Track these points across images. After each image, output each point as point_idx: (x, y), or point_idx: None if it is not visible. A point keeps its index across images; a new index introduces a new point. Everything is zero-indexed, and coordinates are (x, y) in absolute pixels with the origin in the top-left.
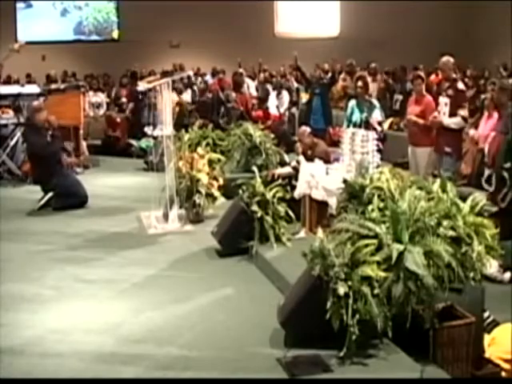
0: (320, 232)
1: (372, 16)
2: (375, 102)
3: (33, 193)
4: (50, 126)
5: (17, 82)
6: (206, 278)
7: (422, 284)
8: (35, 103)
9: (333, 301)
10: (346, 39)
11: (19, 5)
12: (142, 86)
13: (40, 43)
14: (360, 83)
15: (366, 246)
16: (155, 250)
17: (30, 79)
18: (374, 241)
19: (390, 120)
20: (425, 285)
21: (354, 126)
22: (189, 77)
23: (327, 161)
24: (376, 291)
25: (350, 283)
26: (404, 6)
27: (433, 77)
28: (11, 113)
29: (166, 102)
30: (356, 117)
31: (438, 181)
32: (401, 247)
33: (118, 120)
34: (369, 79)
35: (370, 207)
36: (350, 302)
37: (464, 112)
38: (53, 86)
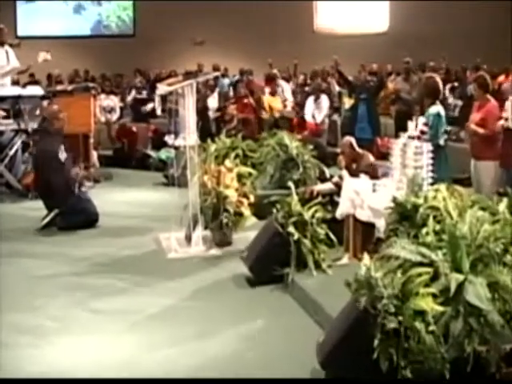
0: (366, 258)
1: (425, 9)
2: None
3: (35, 210)
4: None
5: (17, 82)
6: (233, 309)
7: (485, 321)
8: (54, 107)
9: (381, 338)
10: (396, 35)
11: None
12: (161, 88)
13: (42, 38)
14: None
15: (420, 275)
16: (175, 277)
17: (31, 79)
18: (429, 269)
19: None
20: (489, 322)
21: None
22: (216, 78)
23: (374, 176)
24: (431, 328)
25: (400, 318)
26: None
27: (501, 78)
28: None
29: (190, 107)
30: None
31: (505, 200)
32: (460, 277)
33: (134, 129)
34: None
35: (424, 230)
36: (400, 340)
37: None
38: (59, 88)
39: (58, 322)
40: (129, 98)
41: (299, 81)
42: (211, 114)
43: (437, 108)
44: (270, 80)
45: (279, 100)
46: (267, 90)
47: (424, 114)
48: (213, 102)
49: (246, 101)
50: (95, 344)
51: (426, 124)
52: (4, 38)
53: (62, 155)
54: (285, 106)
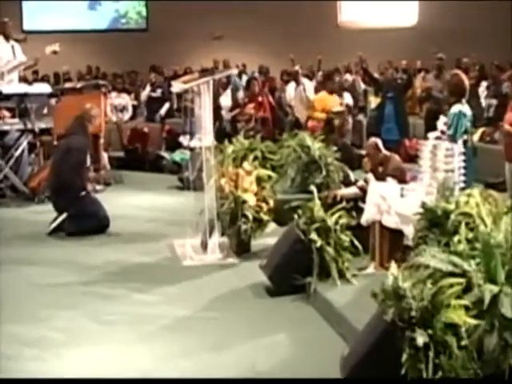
0: (393, 267)
1: (455, 2)
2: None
3: (42, 214)
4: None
5: (23, 79)
6: (251, 320)
7: None
8: (95, 110)
9: (409, 352)
10: (426, 30)
11: None
12: (176, 86)
13: (50, 33)
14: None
15: (451, 286)
16: (190, 286)
17: (37, 76)
18: (461, 280)
19: (481, 130)
20: None
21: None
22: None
23: (402, 180)
24: (464, 342)
25: (430, 331)
26: None
27: None
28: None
29: (206, 106)
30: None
31: None
32: (495, 289)
33: (146, 130)
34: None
35: (455, 238)
36: (430, 355)
37: None
38: (67, 85)
39: (65, 333)
40: (143, 97)
41: (318, 78)
42: (224, 113)
43: (459, 107)
44: (328, 76)
45: (336, 99)
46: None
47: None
48: (226, 100)
49: (264, 99)
50: (105, 357)
51: (446, 124)
52: (9, 32)
53: (88, 158)
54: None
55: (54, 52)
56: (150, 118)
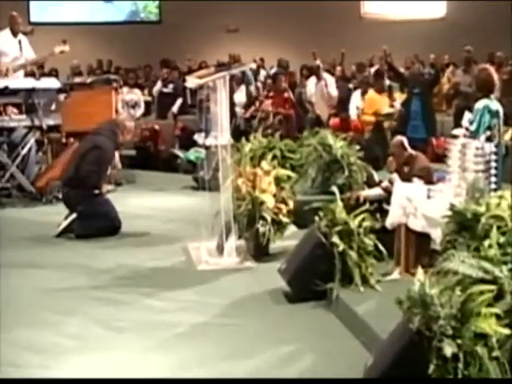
0: (420, 273)
1: None
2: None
3: (49, 214)
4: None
5: (31, 74)
6: (269, 328)
7: None
8: (130, 124)
9: (437, 363)
10: (455, 22)
11: None
12: (190, 81)
13: (58, 25)
14: None
15: (482, 293)
16: (205, 292)
17: (43, 71)
18: (492, 287)
19: None
20: None
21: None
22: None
23: (429, 181)
24: (495, 353)
25: (459, 341)
26: None
27: None
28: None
29: (223, 103)
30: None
31: None
32: None
33: (157, 127)
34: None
35: (486, 242)
36: (459, 367)
37: None
38: (76, 80)
39: (75, 340)
40: (154, 92)
41: (337, 73)
42: (239, 110)
43: (484, 102)
44: (378, 74)
45: (386, 100)
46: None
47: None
48: (240, 96)
49: (286, 95)
50: (116, 365)
51: (470, 120)
52: (17, 26)
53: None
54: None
55: (63, 52)
56: (161, 114)
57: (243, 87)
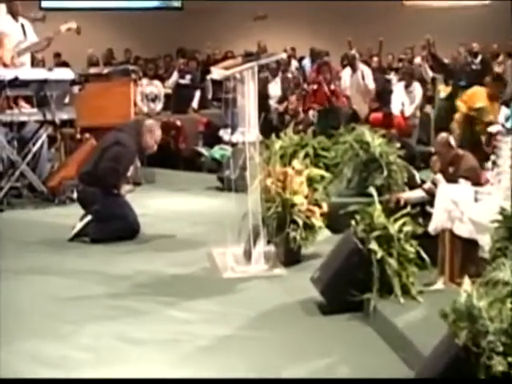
0: (466, 283)
1: None
2: None
3: (62, 216)
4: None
5: (42, 63)
6: (300, 341)
7: None
8: (157, 128)
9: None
10: (504, 7)
11: None
12: (216, 72)
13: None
14: None
15: None
16: (231, 301)
17: (59, 60)
18: None
19: None
20: None
21: None
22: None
23: (477, 182)
24: None
25: (510, 359)
26: None
27: None
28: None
29: (251, 96)
30: None
31: None
32: None
33: (178, 123)
34: None
35: None
36: None
37: None
38: (92, 71)
39: (89, 352)
40: (170, 84)
41: (374, 64)
42: (273, 104)
43: None
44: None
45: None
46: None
47: None
48: (275, 88)
49: (332, 87)
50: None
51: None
52: (17, 9)
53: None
54: None
55: (70, 29)
56: (178, 108)
57: (278, 79)
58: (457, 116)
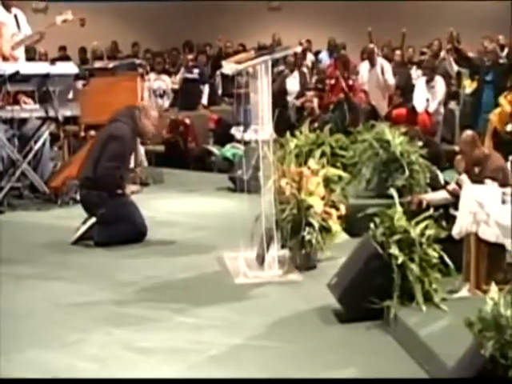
0: (493, 290)
1: None
2: None
3: (65, 218)
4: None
5: (44, 57)
6: (317, 351)
7: None
8: (155, 113)
9: None
10: None
11: None
12: (227, 67)
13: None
14: None
15: None
16: (243, 309)
17: (63, 54)
18: None
19: None
20: None
21: None
22: (295, 54)
23: (504, 183)
24: None
25: None
26: None
27: None
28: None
29: (264, 91)
30: None
31: None
32: None
33: (187, 121)
34: None
35: None
36: None
37: None
38: (97, 65)
39: (95, 362)
40: (177, 79)
41: (396, 57)
42: (291, 100)
43: None
44: None
45: None
46: None
47: None
48: (293, 83)
49: (354, 82)
50: None
51: None
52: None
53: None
54: None
55: (66, 21)
56: (185, 104)
57: (296, 74)
58: (498, 111)
